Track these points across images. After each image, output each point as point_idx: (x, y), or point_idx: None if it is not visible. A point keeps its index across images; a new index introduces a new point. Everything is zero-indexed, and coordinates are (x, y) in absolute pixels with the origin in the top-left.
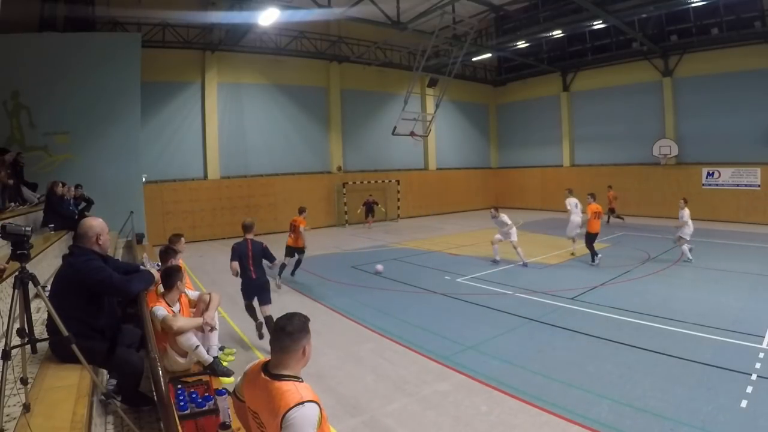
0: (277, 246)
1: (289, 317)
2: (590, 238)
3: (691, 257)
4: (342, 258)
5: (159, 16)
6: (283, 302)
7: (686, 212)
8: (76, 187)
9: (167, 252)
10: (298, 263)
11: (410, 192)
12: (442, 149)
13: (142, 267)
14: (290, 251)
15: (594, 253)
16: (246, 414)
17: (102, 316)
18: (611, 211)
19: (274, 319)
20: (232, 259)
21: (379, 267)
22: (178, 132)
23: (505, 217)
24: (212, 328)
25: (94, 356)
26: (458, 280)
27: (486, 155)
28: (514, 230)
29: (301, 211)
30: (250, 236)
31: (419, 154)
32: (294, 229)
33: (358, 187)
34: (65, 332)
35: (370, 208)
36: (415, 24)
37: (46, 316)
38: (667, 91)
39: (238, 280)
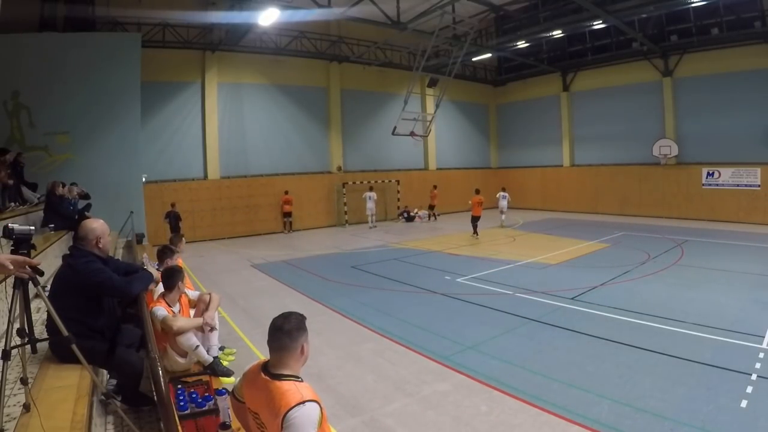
0: (274, 245)
1: (286, 316)
2: (474, 219)
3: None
4: (342, 258)
5: (159, 16)
6: (283, 302)
7: (499, 195)
8: (72, 185)
9: (164, 252)
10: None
11: (410, 192)
12: (442, 149)
13: (143, 268)
14: (288, 215)
15: (475, 230)
16: (246, 415)
17: (101, 316)
18: (430, 207)
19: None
20: (165, 217)
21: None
22: (178, 132)
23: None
24: (212, 328)
25: (93, 356)
26: (458, 280)
27: (486, 155)
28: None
29: (287, 192)
30: (174, 209)
31: (419, 154)
32: (289, 202)
33: (358, 187)
34: (65, 332)
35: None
36: (415, 24)
37: (46, 316)
38: (667, 91)
39: (238, 281)
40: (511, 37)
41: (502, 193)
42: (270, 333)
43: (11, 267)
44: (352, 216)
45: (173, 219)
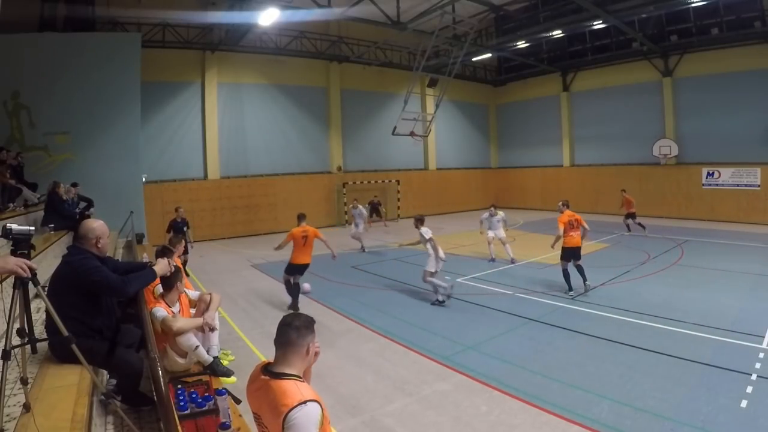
0: (274, 244)
1: (296, 315)
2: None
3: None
4: (342, 258)
5: (159, 16)
6: (283, 302)
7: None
8: (73, 185)
9: (163, 252)
10: None
11: (410, 192)
12: (442, 149)
13: (149, 264)
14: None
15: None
16: None
17: (99, 315)
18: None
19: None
20: (171, 229)
21: (307, 286)
22: (178, 132)
23: (502, 214)
24: (212, 329)
25: (93, 356)
26: (458, 280)
27: (486, 155)
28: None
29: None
30: (179, 216)
31: (419, 154)
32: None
33: (358, 187)
34: (65, 332)
35: (375, 209)
36: (415, 24)
37: (45, 315)
38: (667, 91)
39: (238, 281)
40: (511, 37)
41: (496, 215)
42: (278, 329)
43: (20, 270)
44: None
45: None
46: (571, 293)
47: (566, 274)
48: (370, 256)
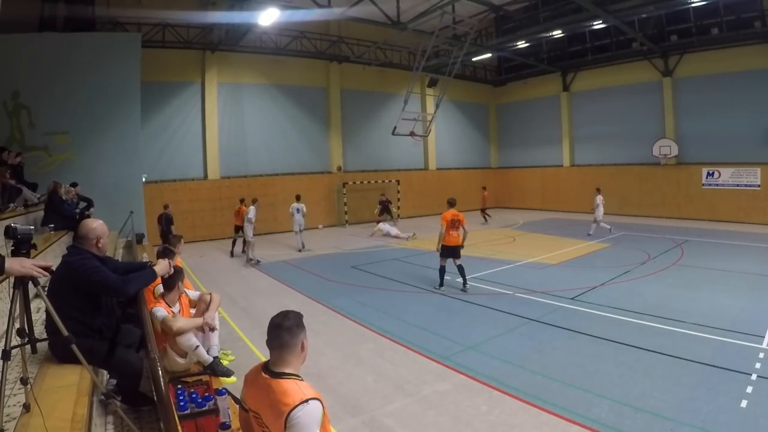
0: (274, 244)
1: (284, 314)
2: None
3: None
4: (342, 258)
5: (159, 16)
6: (283, 302)
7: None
8: (73, 185)
9: (165, 253)
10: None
11: (410, 192)
12: (442, 149)
13: (149, 264)
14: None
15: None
16: (251, 425)
17: (99, 315)
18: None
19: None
20: (157, 221)
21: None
22: (178, 132)
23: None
24: (212, 329)
25: (93, 357)
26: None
27: (486, 155)
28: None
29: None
30: (167, 211)
31: (419, 154)
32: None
33: (358, 187)
34: (65, 332)
35: (386, 208)
36: (415, 24)
37: (45, 315)
38: (667, 91)
39: (238, 281)
40: (511, 37)
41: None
42: (269, 331)
43: (38, 273)
44: (352, 216)
45: (165, 223)
46: (442, 289)
47: (442, 270)
48: (370, 255)
